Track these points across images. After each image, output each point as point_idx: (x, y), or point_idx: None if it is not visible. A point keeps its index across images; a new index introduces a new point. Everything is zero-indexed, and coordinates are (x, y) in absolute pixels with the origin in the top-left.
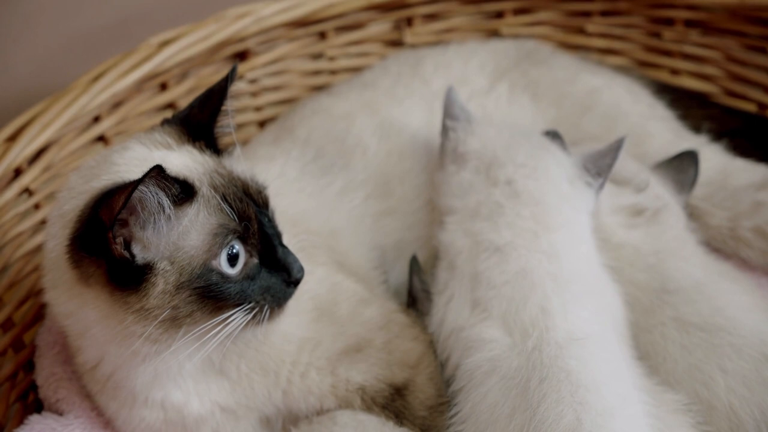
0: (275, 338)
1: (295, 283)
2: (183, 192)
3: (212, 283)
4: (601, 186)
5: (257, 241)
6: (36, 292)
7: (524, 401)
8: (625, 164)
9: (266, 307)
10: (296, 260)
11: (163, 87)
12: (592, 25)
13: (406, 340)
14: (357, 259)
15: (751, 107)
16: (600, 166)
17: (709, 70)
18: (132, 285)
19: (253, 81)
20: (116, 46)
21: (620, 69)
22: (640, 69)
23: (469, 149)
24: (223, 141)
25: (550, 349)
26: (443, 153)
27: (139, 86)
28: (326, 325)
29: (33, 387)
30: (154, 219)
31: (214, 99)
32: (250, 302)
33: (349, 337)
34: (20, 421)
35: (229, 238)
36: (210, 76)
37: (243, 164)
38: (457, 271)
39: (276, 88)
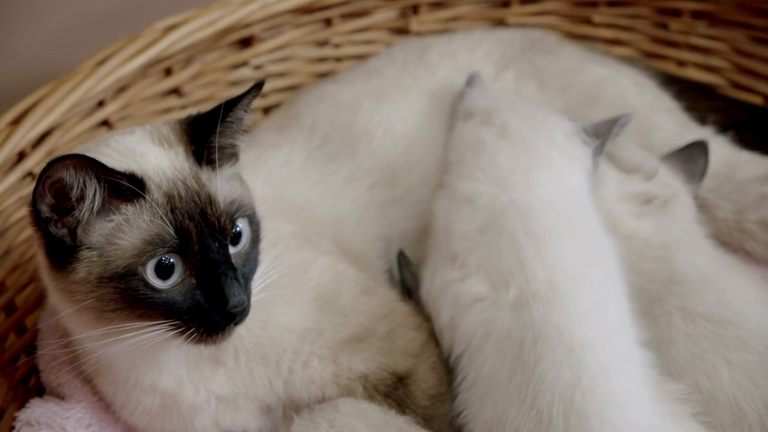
0: (274, 330)
1: (229, 317)
2: (131, 189)
3: (132, 287)
4: (600, 149)
5: (198, 262)
6: (39, 277)
7: (520, 363)
8: (633, 152)
9: (193, 329)
10: (238, 295)
11: (168, 72)
12: (599, 16)
13: (409, 329)
14: (361, 247)
15: (757, 100)
16: (600, 130)
17: (715, 61)
18: (60, 264)
19: (258, 67)
20: (121, 31)
21: (626, 60)
22: (646, 60)
23: (477, 107)
24: (231, 153)
25: (537, 306)
26: (455, 117)
27: (143, 71)
28: (329, 314)
29: (35, 371)
30: (84, 205)
31: (225, 109)
32: (176, 320)
33: (352, 326)
34: (21, 405)
35: (161, 250)
36: (215, 61)
37: (230, 184)
38: (435, 235)
39: (281, 75)
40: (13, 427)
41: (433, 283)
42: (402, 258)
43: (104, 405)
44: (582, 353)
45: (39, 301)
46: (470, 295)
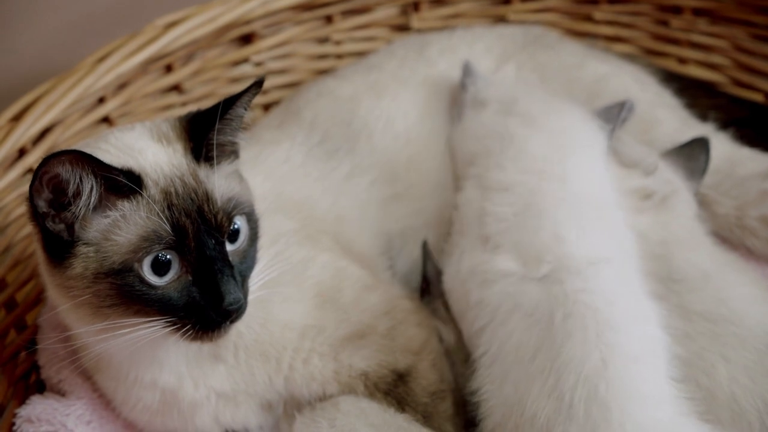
0: (275, 327)
1: (225, 315)
2: (128, 185)
3: (128, 283)
4: (611, 132)
5: (194, 259)
6: (39, 273)
7: (548, 338)
8: (633, 147)
9: (189, 326)
10: (234, 293)
11: (169, 69)
12: (600, 13)
13: (410, 326)
14: (363, 244)
15: (758, 97)
16: (608, 115)
17: (716, 59)
18: (57, 259)
19: (258, 64)
20: (122, 27)
21: (627, 57)
22: (647, 57)
23: (490, 95)
24: (230, 150)
25: (572, 281)
26: (461, 106)
27: (144, 68)
28: (330, 311)
29: (35, 367)
30: (81, 201)
31: (224, 106)
32: (172, 316)
33: (353, 323)
34: (22, 402)
35: (157, 247)
36: (215, 58)
37: (228, 181)
38: (463, 223)
39: (281, 72)
40: (13, 424)
41: (460, 266)
42: (426, 249)
43: (105, 401)
44: (613, 337)
45: (39, 297)
46: (498, 272)
